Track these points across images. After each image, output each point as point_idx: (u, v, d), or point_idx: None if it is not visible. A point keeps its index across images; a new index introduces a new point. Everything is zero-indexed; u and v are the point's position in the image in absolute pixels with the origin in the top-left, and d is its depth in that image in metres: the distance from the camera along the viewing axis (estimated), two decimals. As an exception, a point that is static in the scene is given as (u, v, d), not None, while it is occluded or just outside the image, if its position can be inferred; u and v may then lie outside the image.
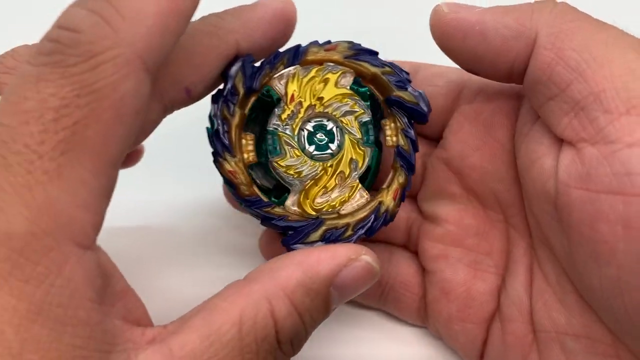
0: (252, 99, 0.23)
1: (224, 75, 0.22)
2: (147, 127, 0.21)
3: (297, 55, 0.23)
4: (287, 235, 0.22)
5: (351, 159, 0.23)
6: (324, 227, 0.22)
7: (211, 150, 0.22)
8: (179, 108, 0.22)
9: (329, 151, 0.23)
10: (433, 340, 0.28)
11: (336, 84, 0.23)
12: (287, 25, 0.23)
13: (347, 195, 0.23)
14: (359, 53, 0.23)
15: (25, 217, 0.16)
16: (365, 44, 0.24)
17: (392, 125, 0.24)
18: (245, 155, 0.22)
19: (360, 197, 0.23)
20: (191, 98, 0.22)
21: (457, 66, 0.24)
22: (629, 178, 0.18)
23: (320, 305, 0.20)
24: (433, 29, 0.23)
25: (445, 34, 0.23)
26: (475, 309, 0.25)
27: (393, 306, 0.28)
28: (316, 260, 0.20)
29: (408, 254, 0.28)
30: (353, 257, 0.21)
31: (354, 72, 0.23)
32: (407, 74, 0.23)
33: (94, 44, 0.16)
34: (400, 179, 0.23)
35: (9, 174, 0.16)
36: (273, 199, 0.23)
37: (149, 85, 0.18)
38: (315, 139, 0.23)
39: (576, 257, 0.21)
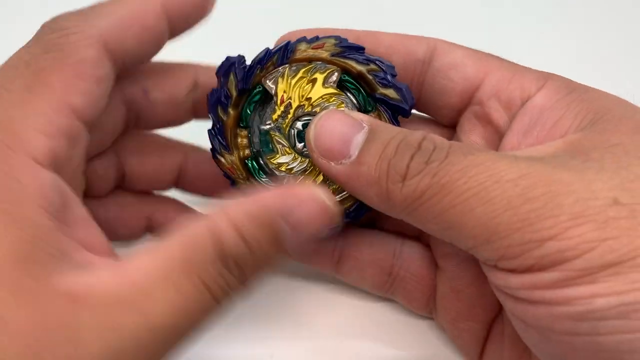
0: (246, 96, 0.25)
1: (217, 75, 0.24)
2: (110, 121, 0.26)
3: (285, 54, 0.24)
4: None
5: None
6: None
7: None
8: (140, 110, 0.26)
9: None
10: (438, 334, 0.28)
11: (323, 84, 0.24)
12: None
13: (333, 187, 0.25)
14: (345, 50, 0.24)
15: None
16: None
17: (379, 119, 0.25)
18: (241, 151, 0.25)
19: None
20: (149, 101, 0.26)
21: (476, 48, 0.24)
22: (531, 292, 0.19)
23: (267, 234, 0.20)
24: None
25: None
26: (482, 309, 0.25)
27: (402, 297, 0.28)
28: (266, 195, 0.20)
29: (421, 246, 0.28)
30: (305, 193, 0.20)
31: (341, 70, 0.24)
32: (393, 68, 0.24)
33: (71, 27, 0.22)
34: None
35: None
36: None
37: (111, 69, 0.23)
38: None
39: None
